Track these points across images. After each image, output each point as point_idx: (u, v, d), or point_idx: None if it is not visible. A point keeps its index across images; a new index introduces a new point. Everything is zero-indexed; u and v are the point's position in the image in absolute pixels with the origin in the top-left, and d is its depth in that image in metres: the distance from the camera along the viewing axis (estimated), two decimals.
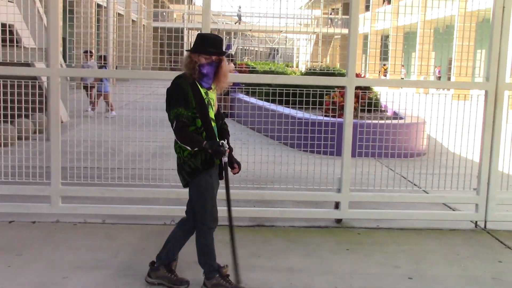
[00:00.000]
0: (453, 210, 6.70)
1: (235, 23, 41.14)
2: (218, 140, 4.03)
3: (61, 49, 5.91)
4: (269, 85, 6.88)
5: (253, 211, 6.08)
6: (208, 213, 4.09)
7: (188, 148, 3.96)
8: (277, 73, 14.25)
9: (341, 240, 5.59)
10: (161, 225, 5.85)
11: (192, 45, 4.13)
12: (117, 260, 4.84)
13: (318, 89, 6.99)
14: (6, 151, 6.81)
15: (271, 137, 8.35)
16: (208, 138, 3.99)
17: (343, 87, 6.26)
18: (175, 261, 4.39)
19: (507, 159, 6.34)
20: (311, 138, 6.71)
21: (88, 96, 13.95)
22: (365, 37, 35.11)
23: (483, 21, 6.77)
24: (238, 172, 4.26)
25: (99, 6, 22.14)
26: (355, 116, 6.25)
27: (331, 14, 51.14)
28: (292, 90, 6.59)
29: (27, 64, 7.84)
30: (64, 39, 6.44)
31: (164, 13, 39.25)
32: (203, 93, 4.02)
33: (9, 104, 6.14)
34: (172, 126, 3.95)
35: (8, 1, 7.55)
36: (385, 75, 15.35)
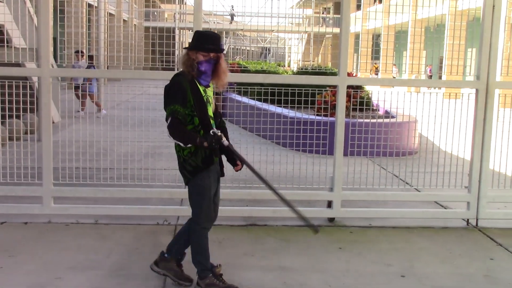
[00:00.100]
0: (445, 208, 6.74)
1: (230, 23, 41.11)
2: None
3: (52, 49, 5.88)
4: (261, 84, 6.90)
5: (245, 211, 6.08)
6: (203, 213, 4.09)
7: (182, 144, 3.94)
8: (269, 72, 14.26)
9: (333, 239, 5.60)
10: (154, 225, 5.85)
11: (189, 43, 4.11)
12: (110, 260, 4.83)
13: (310, 88, 7.00)
14: None
15: (263, 137, 8.35)
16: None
17: (335, 86, 6.27)
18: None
19: (498, 157, 6.37)
20: (303, 137, 6.72)
21: (76, 97, 13.92)
22: (357, 36, 35.19)
23: (474, 19, 6.79)
24: (240, 169, 4.26)
25: (90, 5, 22.02)
26: (347, 115, 6.27)
27: (323, 13, 51.23)
28: (284, 89, 6.60)
29: (18, 65, 7.81)
30: (55, 39, 6.41)
31: (155, 13, 39.19)
32: (201, 91, 4.02)
33: None
34: (166, 122, 3.91)
35: None
36: (376, 74, 15.40)
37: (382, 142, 7.18)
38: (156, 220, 5.95)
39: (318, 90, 9.78)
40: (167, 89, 4.00)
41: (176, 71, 6.86)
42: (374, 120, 7.95)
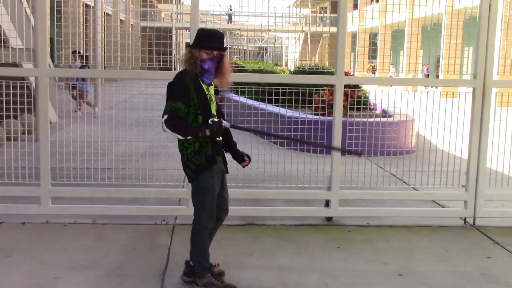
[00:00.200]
0: (442, 207, 6.75)
1: (227, 22, 41.11)
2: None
3: (49, 49, 5.88)
4: (258, 84, 6.90)
5: (243, 210, 6.09)
6: (205, 213, 4.09)
7: (179, 136, 3.91)
8: (266, 72, 14.27)
9: (331, 238, 5.61)
10: (151, 225, 5.85)
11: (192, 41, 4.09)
12: (107, 260, 4.83)
13: (307, 88, 7.01)
14: None
15: (261, 136, 8.36)
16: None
17: (332, 86, 6.28)
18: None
19: (495, 156, 6.38)
20: (301, 136, 6.73)
21: (72, 97, 13.90)
22: (354, 35, 35.20)
23: (470, 18, 6.80)
24: (247, 165, 4.29)
25: (86, 6, 22.06)
26: (344, 115, 6.28)
27: (321, 13, 51.26)
28: (282, 89, 6.60)
29: (15, 65, 7.80)
30: (51, 39, 6.41)
31: (152, 13, 39.14)
32: (205, 89, 4.01)
33: None
34: (162, 117, 3.87)
35: None
36: (373, 73, 15.41)
37: (380, 141, 7.19)
38: (154, 220, 5.95)
39: (315, 90, 9.81)
40: (170, 86, 3.98)
41: (173, 71, 6.87)
42: (371, 119, 7.96)
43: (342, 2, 5.87)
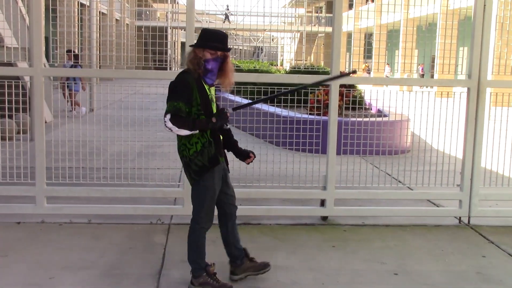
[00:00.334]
0: (437, 206, 6.77)
1: (223, 22, 41.09)
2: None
3: (44, 48, 5.87)
4: (253, 83, 6.91)
5: (239, 209, 6.04)
6: (203, 213, 4.09)
7: (187, 132, 3.89)
8: (262, 71, 14.27)
9: (327, 237, 5.62)
10: (147, 225, 5.85)
11: (196, 40, 4.07)
12: (103, 260, 4.83)
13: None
14: None
15: (256, 136, 8.37)
16: (213, 135, 4.01)
17: (327, 86, 6.29)
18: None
19: (490, 156, 6.41)
20: (296, 136, 6.74)
21: (63, 96, 13.88)
22: (349, 35, 35.24)
23: (465, 18, 6.82)
24: (252, 161, 4.31)
25: (82, 5, 21.98)
26: (340, 114, 6.28)
27: (317, 12, 51.27)
28: (277, 88, 6.61)
29: (10, 64, 7.78)
30: (46, 39, 6.40)
31: (148, 12, 39.12)
32: (207, 89, 4.01)
33: None
34: (164, 117, 3.87)
35: None
36: (368, 73, 15.44)
37: (375, 140, 7.21)
38: (150, 219, 5.95)
39: (310, 89, 9.82)
40: (173, 85, 3.97)
41: (168, 71, 6.86)
42: (367, 119, 7.98)
43: (337, 2, 5.88)
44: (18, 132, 9.83)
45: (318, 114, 8.56)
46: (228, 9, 40.49)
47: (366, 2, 38.36)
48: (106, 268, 4.64)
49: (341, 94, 6.25)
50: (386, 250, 5.30)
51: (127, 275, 4.50)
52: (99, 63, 6.92)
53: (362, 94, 10.06)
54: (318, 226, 6.04)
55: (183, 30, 6.06)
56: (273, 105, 7.77)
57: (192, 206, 4.19)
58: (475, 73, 6.04)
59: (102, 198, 6.14)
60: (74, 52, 13.98)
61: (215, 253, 4.69)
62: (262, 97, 4.08)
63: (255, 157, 4.32)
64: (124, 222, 5.85)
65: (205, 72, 3.99)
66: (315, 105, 8.66)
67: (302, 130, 6.72)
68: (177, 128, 3.88)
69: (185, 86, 3.91)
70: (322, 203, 6.18)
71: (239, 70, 11.42)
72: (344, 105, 6.66)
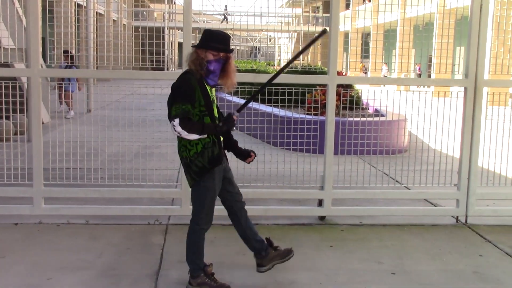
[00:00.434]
0: (435, 205, 6.78)
1: (221, 22, 41.10)
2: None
3: (41, 49, 5.87)
4: (251, 84, 6.91)
5: None
6: (203, 213, 4.09)
7: (196, 136, 3.90)
8: (259, 71, 14.27)
9: (324, 237, 5.63)
10: (145, 225, 5.85)
11: (198, 41, 4.06)
12: (101, 260, 4.83)
13: (300, 88, 7.02)
14: None
15: (254, 136, 8.38)
16: (216, 135, 4.01)
17: (324, 85, 6.29)
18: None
19: (487, 155, 6.42)
20: (294, 136, 6.74)
21: (60, 97, 13.88)
22: (346, 35, 35.25)
23: (462, 18, 6.82)
24: (253, 160, 4.31)
25: (79, 5, 21.95)
26: (337, 114, 6.30)
27: (315, 12, 51.28)
28: (274, 88, 6.62)
29: (7, 65, 7.77)
30: (43, 39, 6.39)
31: (145, 13, 39.05)
32: (208, 90, 4.00)
33: None
34: (172, 120, 3.86)
35: None
36: (365, 73, 15.44)
37: (372, 140, 7.22)
38: (147, 220, 5.95)
39: (308, 89, 9.83)
40: (176, 87, 3.95)
41: (165, 71, 6.86)
42: (364, 119, 7.98)
43: (334, 2, 5.88)
44: (15, 133, 9.83)
45: (316, 114, 8.56)
46: (226, 9, 40.49)
47: (363, 2, 38.39)
48: (103, 269, 4.64)
49: (338, 94, 6.26)
50: (383, 250, 5.31)
51: (125, 275, 4.50)
52: (96, 63, 6.93)
53: (359, 94, 10.07)
54: (316, 226, 6.05)
55: (180, 30, 6.05)
56: (271, 105, 7.77)
57: (191, 206, 4.19)
58: (472, 73, 6.05)
59: (100, 199, 6.14)
60: (68, 52, 13.93)
61: (214, 253, 4.70)
62: (266, 83, 4.05)
63: (255, 156, 4.31)
64: (121, 223, 5.85)
65: (207, 73, 3.98)
66: (313, 105, 8.67)
67: (300, 130, 6.73)
68: (186, 133, 3.88)
69: (188, 87, 3.89)
70: (320, 203, 6.19)
71: (236, 70, 11.39)
72: (341, 105, 6.67)
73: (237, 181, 6.13)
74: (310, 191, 6.24)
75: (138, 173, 6.47)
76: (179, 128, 3.85)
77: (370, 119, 8.04)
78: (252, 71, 14.99)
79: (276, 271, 4.57)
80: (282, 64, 25.49)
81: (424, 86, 7.38)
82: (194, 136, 3.92)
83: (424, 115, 6.41)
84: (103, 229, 5.69)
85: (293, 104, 6.87)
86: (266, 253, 4.37)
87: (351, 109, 7.24)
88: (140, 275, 4.51)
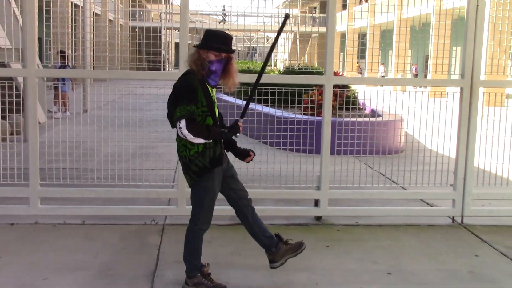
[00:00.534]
0: (431, 206, 6.80)
1: (219, 23, 41.11)
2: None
3: (37, 49, 5.86)
4: (247, 84, 6.91)
5: (233, 210, 6.08)
6: (202, 213, 4.09)
7: (202, 141, 3.92)
8: (256, 72, 14.26)
9: (320, 237, 5.63)
10: (141, 225, 5.85)
11: (200, 41, 4.06)
12: (97, 260, 4.82)
13: (297, 88, 7.02)
14: None
15: (250, 136, 8.37)
16: None
17: (321, 86, 6.30)
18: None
19: (483, 155, 6.44)
20: (290, 136, 6.75)
21: (56, 97, 13.86)
22: (343, 35, 35.31)
23: (458, 18, 6.84)
24: (252, 159, 4.29)
25: (75, 6, 21.92)
26: (334, 114, 6.30)
27: (313, 13, 51.35)
28: (271, 89, 6.62)
29: (3, 65, 7.76)
30: (40, 39, 6.39)
31: (142, 13, 39.05)
32: (210, 91, 4.00)
33: None
34: (178, 122, 3.85)
35: None
36: (360, 73, 15.47)
37: (369, 140, 7.23)
38: (144, 220, 5.95)
39: (304, 90, 9.83)
40: (179, 88, 3.94)
41: (162, 71, 6.85)
42: (361, 119, 7.99)
43: (331, 2, 5.89)
44: (12, 133, 9.80)
45: (312, 114, 8.57)
46: (224, 10, 40.46)
47: (360, 2, 38.44)
48: (100, 269, 4.63)
49: (334, 94, 6.27)
50: (379, 250, 5.32)
51: (121, 275, 4.50)
52: (93, 63, 6.92)
53: (356, 94, 10.08)
54: (312, 226, 6.05)
55: (176, 30, 6.05)
56: (267, 106, 7.77)
57: (187, 207, 4.20)
58: (468, 73, 6.06)
59: (96, 199, 6.14)
60: (63, 52, 13.92)
61: (210, 253, 4.71)
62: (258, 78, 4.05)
63: (255, 155, 4.30)
64: (118, 223, 5.85)
65: (209, 73, 3.98)
66: (309, 105, 8.68)
67: (296, 130, 6.73)
68: (192, 136, 3.88)
69: (191, 88, 3.88)
70: (316, 203, 6.20)
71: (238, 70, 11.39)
72: (338, 105, 6.68)
73: None
74: (306, 191, 6.25)
75: (135, 173, 6.47)
76: (185, 131, 3.85)
77: (366, 119, 8.05)
78: (249, 71, 14.98)
79: (273, 271, 4.58)
80: (279, 65, 25.50)
81: (420, 87, 7.39)
82: (199, 140, 3.92)
83: (420, 115, 6.42)
84: (99, 229, 5.68)
85: (289, 104, 6.88)
86: (276, 249, 4.33)
87: (347, 109, 7.24)
88: (137, 275, 4.51)
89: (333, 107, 6.26)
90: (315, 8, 55.11)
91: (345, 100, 6.84)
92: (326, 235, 5.72)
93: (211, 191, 4.07)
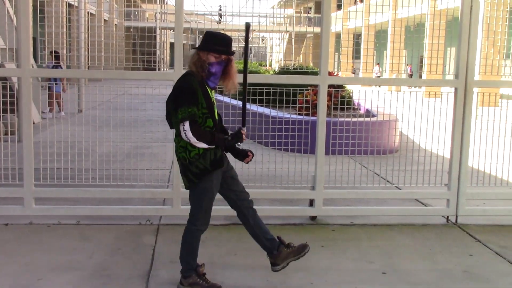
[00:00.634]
0: (425, 205, 6.81)
1: (217, 23, 41.12)
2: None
3: (32, 49, 5.85)
4: (241, 84, 6.94)
5: (228, 210, 6.02)
6: (201, 214, 4.09)
7: (204, 145, 3.91)
8: (251, 72, 14.28)
9: (315, 237, 5.64)
10: (136, 225, 5.84)
11: (200, 43, 4.05)
12: (92, 261, 4.82)
13: (292, 88, 7.03)
14: None
15: (245, 136, 8.36)
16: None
17: (316, 86, 6.31)
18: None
19: (477, 155, 6.46)
20: (285, 136, 6.76)
21: (49, 97, 13.83)
22: (338, 35, 35.34)
23: (453, 19, 6.86)
24: (251, 159, 4.27)
25: (70, 5, 21.87)
26: (328, 114, 6.31)
27: (309, 13, 51.37)
28: (266, 89, 6.62)
29: None
30: (34, 39, 6.37)
31: (136, 13, 38.96)
32: (209, 92, 4.00)
33: None
34: (181, 125, 3.84)
35: None
36: (353, 73, 15.49)
37: (363, 140, 7.24)
38: (139, 220, 5.94)
39: (299, 90, 9.85)
40: (179, 89, 3.93)
41: (157, 71, 6.85)
42: (355, 119, 8.01)
43: (326, 3, 5.90)
44: (6, 133, 9.78)
45: (307, 114, 8.58)
46: (220, 10, 40.45)
47: (355, 3, 38.51)
48: (94, 269, 4.63)
49: (329, 94, 6.27)
50: (374, 250, 5.33)
51: (116, 276, 4.49)
52: (88, 63, 6.91)
53: (351, 94, 10.09)
54: (307, 226, 6.06)
55: (172, 30, 6.05)
56: (262, 106, 7.78)
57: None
58: (462, 73, 6.08)
59: (91, 199, 6.13)
60: (56, 52, 13.85)
61: (205, 253, 4.70)
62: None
63: (253, 155, 4.30)
64: (113, 223, 5.84)
65: (208, 75, 3.97)
66: (304, 105, 8.68)
67: (291, 130, 6.74)
68: (195, 140, 3.87)
69: (191, 89, 3.87)
70: (311, 203, 6.20)
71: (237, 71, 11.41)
72: (332, 105, 6.69)
73: None
74: (301, 191, 6.26)
75: (129, 173, 6.46)
76: (189, 134, 3.84)
77: (361, 119, 8.06)
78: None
79: (268, 271, 4.58)
80: (274, 65, 25.51)
81: (415, 87, 7.42)
82: (202, 145, 3.92)
83: (415, 115, 6.44)
84: (94, 229, 5.67)
85: (284, 105, 6.88)
86: (278, 252, 4.30)
87: (342, 109, 7.25)
88: (131, 275, 4.51)
89: (328, 107, 6.27)
90: (310, 8, 55.15)
91: (340, 100, 6.86)
92: (321, 235, 5.73)
93: (210, 192, 4.07)
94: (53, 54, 13.83)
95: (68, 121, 6.68)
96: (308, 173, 6.34)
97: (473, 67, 6.10)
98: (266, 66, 26.69)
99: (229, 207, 5.93)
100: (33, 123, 6.10)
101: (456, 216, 6.28)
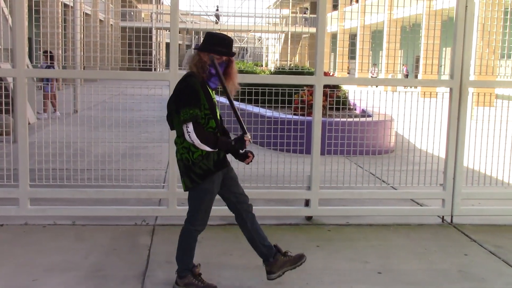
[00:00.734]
0: (421, 205, 6.83)
1: (215, 23, 41.12)
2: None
3: (27, 49, 5.84)
4: (238, 84, 6.94)
5: (224, 210, 6.02)
6: (199, 215, 4.08)
7: (208, 148, 3.91)
8: (247, 72, 14.29)
9: (311, 237, 5.64)
10: (132, 226, 5.83)
11: (201, 43, 4.04)
12: (88, 261, 4.81)
13: (287, 88, 7.03)
14: None
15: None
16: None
17: (311, 86, 6.32)
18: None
19: (472, 155, 6.48)
20: (281, 136, 6.76)
21: (44, 97, 13.80)
22: (334, 36, 35.38)
23: (448, 19, 6.88)
24: (251, 160, 4.23)
25: (65, 5, 21.85)
26: (324, 115, 6.32)
27: (305, 13, 51.44)
28: (262, 89, 6.63)
29: None
30: (30, 39, 6.36)
31: (132, 13, 38.92)
32: (211, 93, 4.00)
33: None
34: (185, 126, 3.84)
35: None
36: (349, 73, 15.51)
37: (359, 140, 7.25)
38: (134, 220, 5.94)
39: (295, 90, 9.86)
40: (181, 90, 3.92)
41: (153, 71, 6.84)
42: (351, 119, 8.02)
43: (321, 3, 5.91)
44: (1, 134, 9.75)
45: (303, 115, 8.59)
46: (217, 10, 40.45)
47: (351, 3, 38.57)
48: (90, 270, 4.62)
49: (325, 95, 6.28)
50: (370, 249, 5.34)
51: (111, 276, 4.49)
52: (83, 64, 6.90)
53: (346, 95, 10.11)
54: (303, 226, 6.06)
55: (167, 30, 6.05)
56: (258, 106, 7.79)
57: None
58: (457, 74, 6.10)
59: (86, 200, 6.11)
60: (50, 52, 13.80)
61: (200, 254, 4.70)
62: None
63: (253, 156, 4.29)
64: (108, 224, 5.83)
65: (209, 76, 3.97)
66: (299, 105, 8.69)
67: (287, 130, 6.74)
68: (199, 142, 3.87)
69: (193, 91, 3.86)
70: (307, 203, 6.21)
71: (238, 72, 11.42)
72: (328, 106, 6.70)
73: None
74: (297, 191, 6.26)
75: (125, 174, 6.45)
76: (193, 135, 3.84)
77: (357, 119, 8.08)
78: (240, 71, 15.00)
79: (263, 271, 4.58)
80: (270, 65, 25.53)
81: (411, 87, 7.43)
82: (206, 148, 3.91)
83: (410, 115, 6.45)
84: (89, 230, 5.67)
85: (280, 105, 6.88)
86: (274, 260, 4.27)
87: (338, 109, 7.27)
88: (127, 276, 4.50)
89: (324, 107, 6.28)
90: (306, 8, 55.21)
91: (336, 100, 6.87)
92: (317, 235, 5.73)
93: (211, 193, 4.06)
94: (47, 54, 13.81)
95: (64, 121, 6.67)
96: (304, 173, 6.35)
97: (468, 67, 6.12)
98: (262, 66, 26.71)
99: (225, 207, 5.93)
100: (29, 123, 6.09)
101: (452, 216, 6.29)
